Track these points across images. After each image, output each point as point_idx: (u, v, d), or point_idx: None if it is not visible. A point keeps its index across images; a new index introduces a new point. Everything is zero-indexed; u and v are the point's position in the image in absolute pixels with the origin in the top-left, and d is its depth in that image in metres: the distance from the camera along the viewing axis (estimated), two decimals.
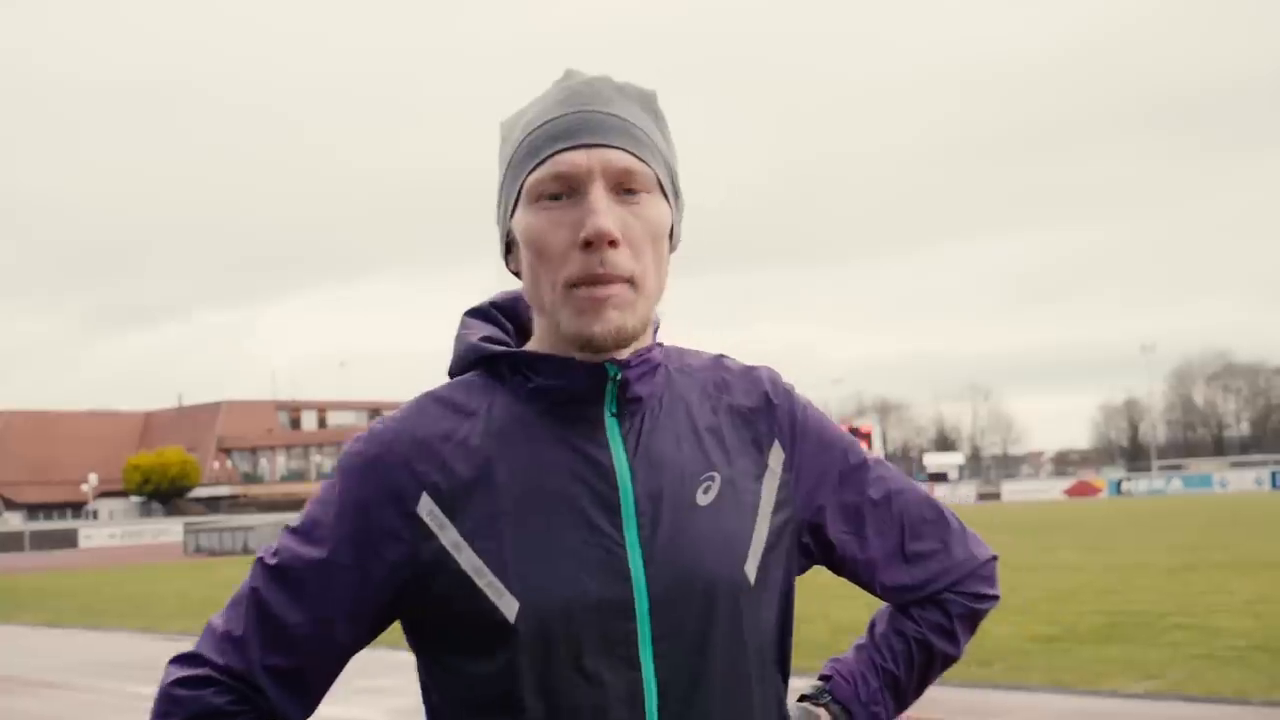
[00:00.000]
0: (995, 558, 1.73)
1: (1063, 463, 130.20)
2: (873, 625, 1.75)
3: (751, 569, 1.48)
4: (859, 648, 1.73)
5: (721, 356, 1.65)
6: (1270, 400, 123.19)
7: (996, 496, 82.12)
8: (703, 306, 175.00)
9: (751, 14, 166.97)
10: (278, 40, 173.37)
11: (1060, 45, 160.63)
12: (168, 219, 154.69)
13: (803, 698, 1.69)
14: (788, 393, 1.63)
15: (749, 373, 1.62)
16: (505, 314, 1.61)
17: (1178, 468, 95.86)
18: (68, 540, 59.30)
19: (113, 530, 63.23)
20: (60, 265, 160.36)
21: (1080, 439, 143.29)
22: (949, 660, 1.72)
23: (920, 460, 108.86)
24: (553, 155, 1.43)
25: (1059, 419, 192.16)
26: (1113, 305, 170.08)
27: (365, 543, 1.43)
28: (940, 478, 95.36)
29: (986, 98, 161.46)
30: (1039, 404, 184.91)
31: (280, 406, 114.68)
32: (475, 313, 1.61)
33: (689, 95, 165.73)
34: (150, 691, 1.50)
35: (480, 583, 1.39)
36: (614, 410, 1.48)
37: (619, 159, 1.43)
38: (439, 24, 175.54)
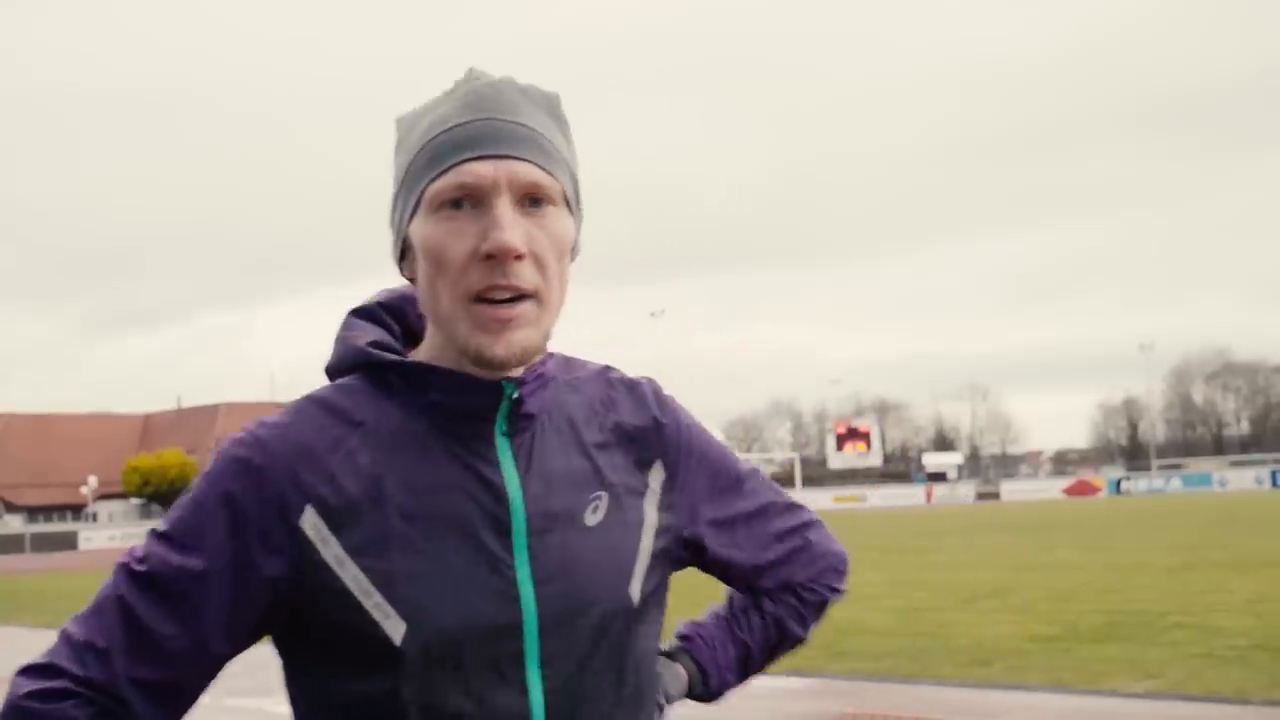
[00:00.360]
0: (847, 557, 1.80)
1: (1062, 462, 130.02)
2: (731, 598, 1.78)
3: (636, 589, 1.48)
4: (718, 616, 1.76)
5: (608, 369, 1.63)
6: (1270, 399, 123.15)
7: (996, 496, 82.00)
8: (702, 306, 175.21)
9: (751, 14, 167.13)
10: (274, 47, 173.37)
11: (1059, 45, 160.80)
12: (167, 223, 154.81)
13: (662, 653, 1.71)
14: (673, 410, 1.63)
15: (635, 388, 1.61)
16: (392, 315, 1.56)
17: (1177, 467, 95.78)
18: (68, 542, 59.35)
19: (112, 532, 63.25)
20: (60, 269, 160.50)
21: (1079, 438, 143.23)
22: (797, 642, 1.78)
23: (919, 460, 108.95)
24: (457, 164, 1.38)
25: (1058, 418, 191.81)
26: (1112, 304, 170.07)
27: (243, 554, 1.37)
28: (939, 477, 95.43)
29: (986, 97, 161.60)
30: (1038, 403, 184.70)
31: (279, 408, 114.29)
32: (361, 313, 1.55)
33: (689, 95, 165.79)
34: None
35: (366, 603, 1.35)
36: (505, 429, 1.45)
37: (526, 172, 1.39)
38: (436, 28, 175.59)
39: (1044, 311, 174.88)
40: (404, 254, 1.47)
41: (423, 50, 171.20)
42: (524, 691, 1.39)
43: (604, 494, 1.50)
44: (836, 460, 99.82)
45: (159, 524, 1.42)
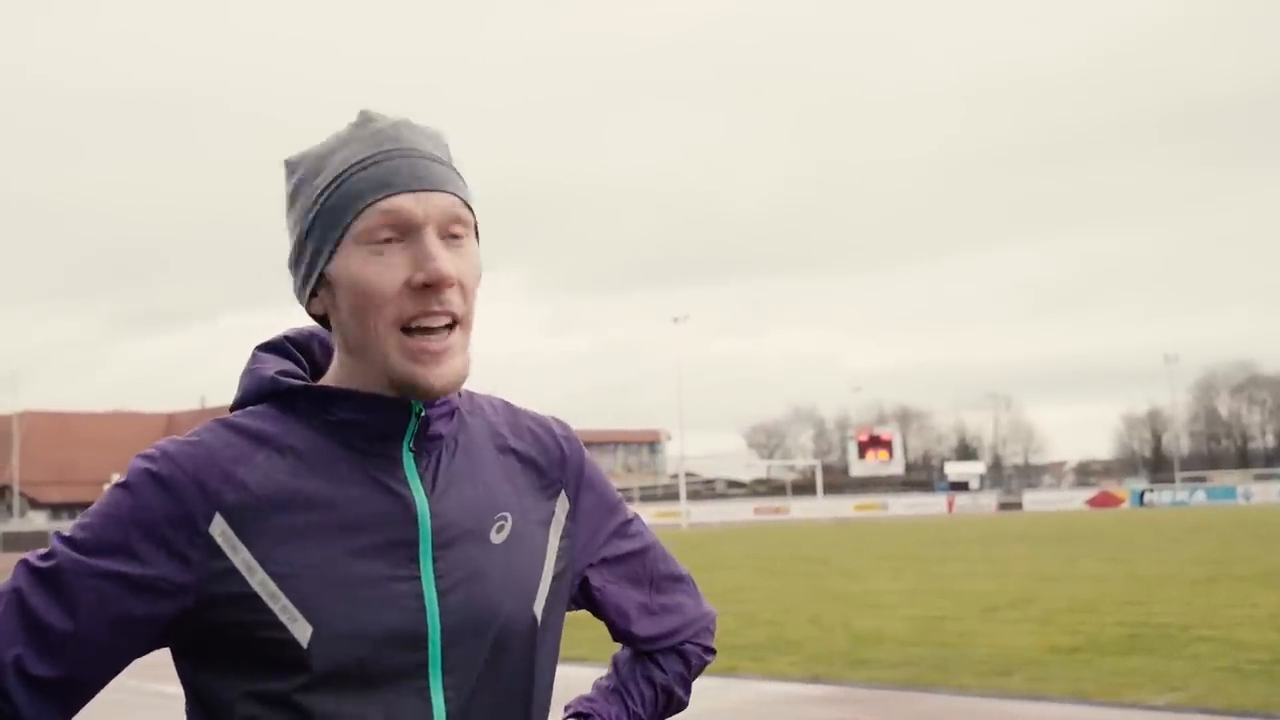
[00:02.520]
0: (715, 614, 1.85)
1: (1085, 473, 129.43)
2: (616, 666, 1.82)
3: (539, 609, 1.53)
4: (609, 690, 1.78)
5: (512, 404, 1.69)
6: None
7: (1018, 506, 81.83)
8: (724, 312, 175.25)
9: (776, 21, 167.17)
10: (300, 51, 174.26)
11: (1079, 53, 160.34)
12: (194, 223, 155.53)
13: None
14: (577, 447, 1.68)
15: (541, 423, 1.67)
16: (300, 350, 1.60)
17: (1201, 479, 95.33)
18: None
19: None
20: (85, 267, 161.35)
21: (1103, 449, 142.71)
22: (681, 707, 1.82)
23: (941, 469, 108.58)
24: (381, 200, 1.43)
25: (1081, 429, 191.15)
26: (1135, 314, 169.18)
27: (150, 560, 1.38)
28: (961, 487, 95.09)
29: (1007, 106, 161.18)
30: (1061, 413, 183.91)
31: None
32: (268, 347, 1.59)
33: (713, 101, 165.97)
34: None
35: (274, 606, 1.38)
36: (411, 446, 1.49)
37: (450, 205, 1.45)
38: (462, 33, 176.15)
39: (1067, 321, 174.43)
40: (314, 292, 1.50)
41: (448, 53, 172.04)
42: (426, 700, 1.43)
43: (508, 515, 1.55)
44: (858, 468, 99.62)
45: (65, 530, 1.43)
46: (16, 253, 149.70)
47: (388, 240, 1.43)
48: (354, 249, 1.44)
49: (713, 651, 1.83)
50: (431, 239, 1.43)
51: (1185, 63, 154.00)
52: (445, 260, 1.42)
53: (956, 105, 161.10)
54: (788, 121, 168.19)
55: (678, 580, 1.80)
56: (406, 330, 1.43)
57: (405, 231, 1.43)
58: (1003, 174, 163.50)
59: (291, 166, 1.52)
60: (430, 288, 1.42)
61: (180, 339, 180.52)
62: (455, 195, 1.47)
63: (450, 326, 1.44)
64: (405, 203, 1.43)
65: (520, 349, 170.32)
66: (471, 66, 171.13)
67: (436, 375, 1.43)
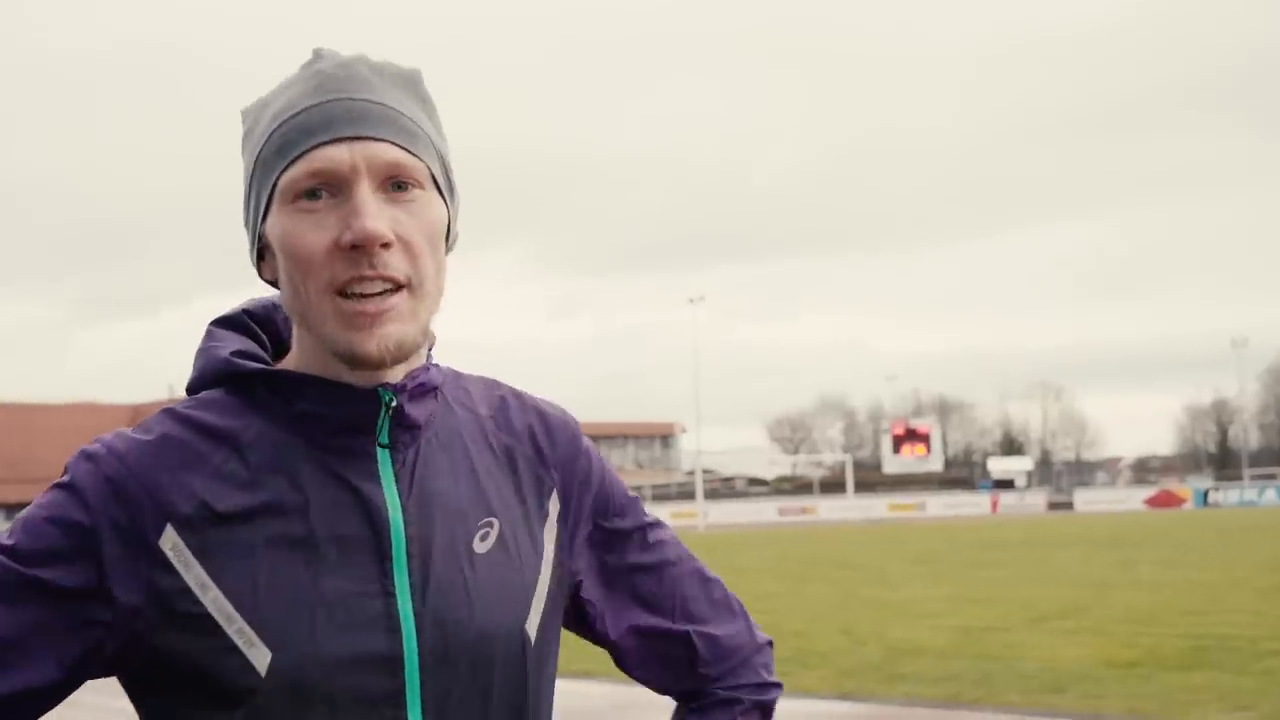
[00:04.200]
0: (771, 643, 1.74)
1: (1143, 470, 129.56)
2: None
3: (533, 626, 1.47)
4: None
5: (500, 385, 1.62)
6: None
7: (1069, 506, 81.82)
8: (745, 294, 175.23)
9: None
10: (283, 5, 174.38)
11: (1142, 11, 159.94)
12: (164, 202, 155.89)
13: None
14: (574, 436, 1.62)
15: (533, 410, 1.61)
16: (260, 324, 1.55)
17: (1271, 477, 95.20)
18: None
19: None
20: (47, 249, 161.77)
21: (1163, 444, 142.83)
22: None
23: (984, 465, 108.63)
24: (309, 150, 1.37)
25: (1139, 421, 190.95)
26: (1200, 297, 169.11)
27: (91, 572, 1.33)
28: (1006, 485, 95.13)
29: (1061, 70, 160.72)
30: (1117, 404, 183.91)
31: None
32: (224, 322, 1.53)
33: (733, 64, 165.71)
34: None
35: (229, 629, 1.33)
36: (385, 441, 1.44)
37: (386, 152, 1.38)
38: None
39: (1124, 304, 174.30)
40: (261, 255, 1.46)
41: (460, 10, 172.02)
42: None
43: (495, 520, 1.49)
44: (893, 464, 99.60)
45: (0, 536, 1.38)
46: None
47: (315, 195, 1.37)
48: (283, 206, 1.39)
49: (772, 688, 1.69)
50: (364, 193, 1.36)
51: (1257, 24, 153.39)
52: (373, 217, 1.35)
53: (1005, 68, 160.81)
54: (818, 86, 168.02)
55: (717, 604, 1.68)
56: (342, 295, 1.36)
57: (336, 186, 1.37)
58: (1054, 143, 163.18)
59: (243, 116, 1.49)
60: (358, 249, 1.35)
61: (147, 324, 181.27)
62: (394, 143, 1.39)
63: (393, 291, 1.37)
64: (335, 153, 1.37)
65: (520, 333, 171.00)
66: (483, 22, 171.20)
67: (374, 340, 1.36)
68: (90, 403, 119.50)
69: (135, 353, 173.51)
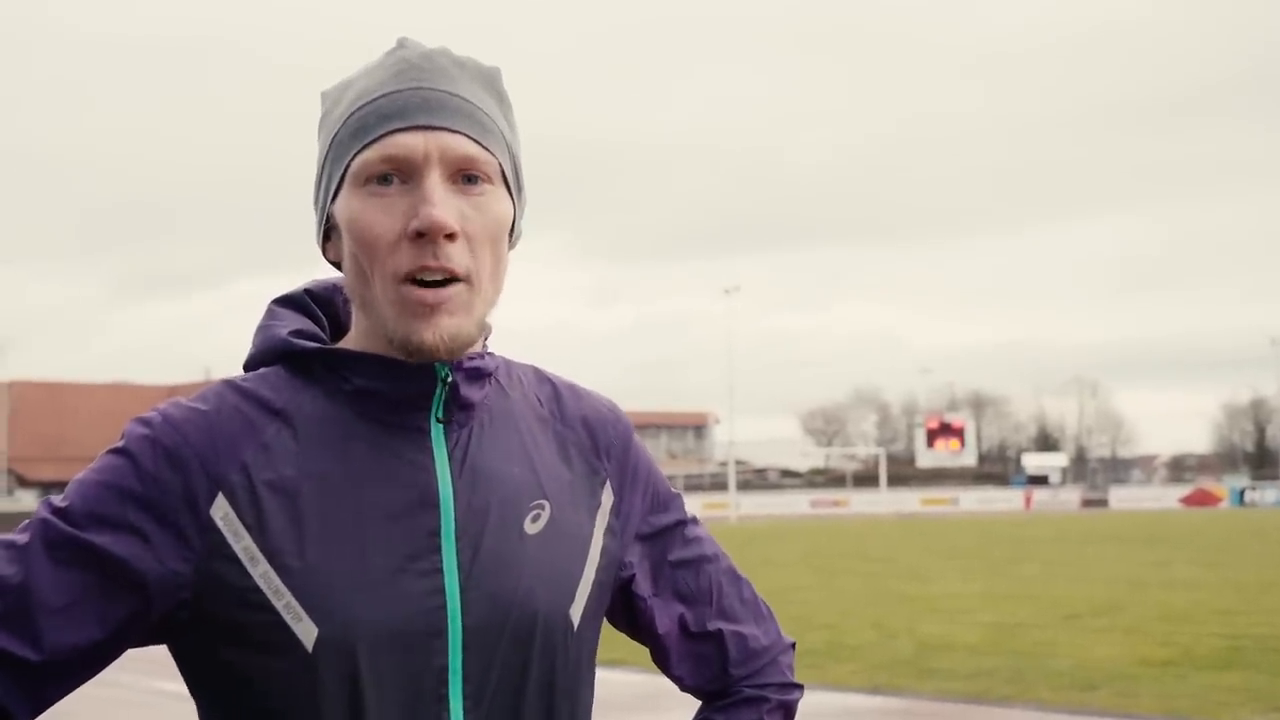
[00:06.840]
0: (794, 645, 1.75)
1: (1179, 468, 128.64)
2: None
3: (577, 612, 1.47)
4: None
5: (556, 377, 1.64)
6: None
7: (1104, 503, 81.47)
8: (776, 286, 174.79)
9: None
10: None
11: (1182, 6, 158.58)
12: (203, 181, 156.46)
13: None
14: (626, 430, 1.63)
15: (588, 401, 1.62)
16: (320, 305, 1.57)
17: None
18: None
19: None
20: (83, 228, 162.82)
21: (1199, 442, 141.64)
22: None
23: (1018, 461, 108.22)
24: (385, 136, 1.39)
25: (1176, 419, 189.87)
26: (1238, 292, 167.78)
27: (147, 538, 1.35)
28: (1040, 481, 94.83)
29: (1103, 62, 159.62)
30: (1153, 401, 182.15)
31: None
32: (285, 301, 1.56)
33: (774, 47, 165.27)
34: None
35: (277, 603, 1.34)
36: (440, 416, 1.45)
37: (460, 144, 1.40)
38: None
39: (1162, 299, 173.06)
40: (328, 235, 1.48)
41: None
42: (444, 705, 1.39)
43: (546, 503, 1.49)
44: (926, 458, 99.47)
45: (54, 498, 1.39)
46: (9, 209, 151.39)
47: (386, 180, 1.40)
48: (354, 189, 1.41)
49: (795, 688, 1.70)
50: (433, 182, 1.38)
51: None
52: (443, 206, 1.37)
53: (1044, 58, 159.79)
54: (856, 74, 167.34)
55: (748, 604, 1.70)
56: (405, 282, 1.38)
57: (407, 173, 1.39)
58: (1094, 136, 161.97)
59: (322, 98, 1.51)
60: (424, 237, 1.36)
61: (186, 305, 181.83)
62: (468, 135, 1.41)
63: (451, 282, 1.39)
64: (410, 140, 1.39)
65: (557, 321, 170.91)
66: (515, 9, 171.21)
67: (430, 329, 1.38)
68: (125, 383, 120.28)
69: (171, 334, 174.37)
